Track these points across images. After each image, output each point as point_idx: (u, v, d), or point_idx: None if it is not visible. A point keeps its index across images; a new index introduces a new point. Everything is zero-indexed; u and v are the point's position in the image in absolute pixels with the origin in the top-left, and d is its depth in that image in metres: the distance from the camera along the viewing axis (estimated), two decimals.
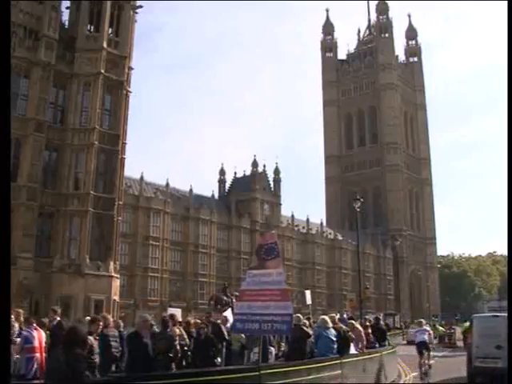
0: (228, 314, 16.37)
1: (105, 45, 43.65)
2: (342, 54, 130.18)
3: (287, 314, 11.42)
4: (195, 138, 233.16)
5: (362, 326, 18.23)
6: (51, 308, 14.54)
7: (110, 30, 45.61)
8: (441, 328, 46.48)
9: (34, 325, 11.19)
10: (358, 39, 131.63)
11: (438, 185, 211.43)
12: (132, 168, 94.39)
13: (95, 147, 41.56)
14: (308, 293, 29.05)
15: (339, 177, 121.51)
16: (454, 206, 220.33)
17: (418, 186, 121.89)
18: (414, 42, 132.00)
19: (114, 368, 10.79)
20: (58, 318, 12.30)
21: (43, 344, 11.12)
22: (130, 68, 46.77)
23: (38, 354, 10.82)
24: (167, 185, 71.83)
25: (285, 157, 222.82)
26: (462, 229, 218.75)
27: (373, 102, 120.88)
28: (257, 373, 11.17)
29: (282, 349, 14.11)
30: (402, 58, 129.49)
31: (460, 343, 38.63)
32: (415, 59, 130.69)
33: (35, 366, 10.67)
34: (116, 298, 42.36)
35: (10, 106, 6.18)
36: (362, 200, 36.04)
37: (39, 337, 11.08)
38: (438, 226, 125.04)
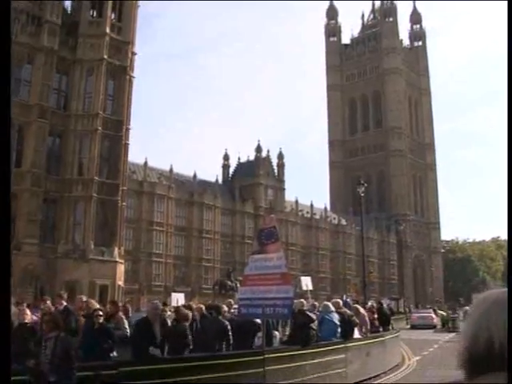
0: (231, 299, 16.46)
1: (108, 30, 43.47)
2: (345, 39, 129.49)
3: (288, 298, 11.52)
4: (198, 123, 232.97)
5: (366, 310, 18.29)
6: (57, 293, 14.60)
7: (113, 16, 45.36)
8: (444, 313, 46.57)
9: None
10: (362, 23, 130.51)
11: (442, 170, 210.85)
12: (136, 154, 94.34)
13: (99, 133, 41.53)
14: (304, 279, 28.79)
15: (343, 162, 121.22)
16: (458, 192, 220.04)
17: (422, 171, 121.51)
18: (418, 26, 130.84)
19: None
20: (65, 303, 12.34)
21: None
22: (133, 53, 46.57)
23: None
24: (171, 170, 71.78)
25: (288, 141, 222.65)
26: (466, 214, 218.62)
27: (377, 86, 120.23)
28: (261, 357, 11.26)
29: (287, 333, 14.17)
30: (406, 42, 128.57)
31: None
32: (419, 43, 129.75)
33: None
34: (121, 283, 42.54)
35: (10, 105, 6.14)
36: (365, 185, 35.99)
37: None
38: (442, 211, 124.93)
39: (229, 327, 11.81)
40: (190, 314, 12.27)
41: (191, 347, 10.70)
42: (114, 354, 9.81)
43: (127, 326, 10.88)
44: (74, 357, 7.67)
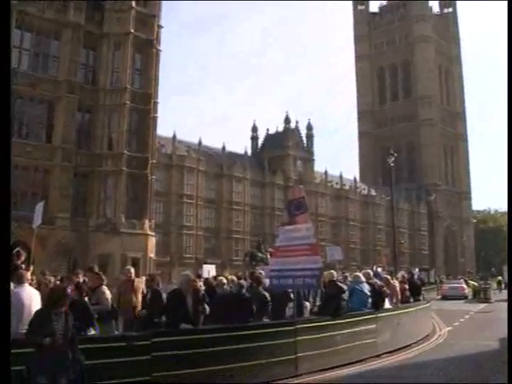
0: (262, 270, 16.52)
1: (133, 4, 43.35)
2: (374, 7, 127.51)
3: (317, 269, 11.55)
4: (226, 96, 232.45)
5: (397, 280, 18.23)
6: (88, 266, 14.80)
7: None
8: (475, 283, 46.29)
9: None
10: None
11: (474, 139, 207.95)
12: (164, 127, 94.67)
13: (127, 107, 41.70)
14: (332, 249, 28.68)
15: (372, 132, 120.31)
16: (490, 161, 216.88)
17: (453, 140, 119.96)
18: None
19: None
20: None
21: None
22: (160, 26, 46.41)
23: None
24: (200, 143, 72.04)
25: (317, 113, 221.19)
26: (498, 183, 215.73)
27: (406, 55, 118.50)
28: (292, 327, 11.33)
29: (317, 304, 14.20)
30: (436, 9, 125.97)
31: (495, 298, 38.49)
32: (450, 10, 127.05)
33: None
34: (152, 255, 42.99)
35: (10, 105, 6.15)
36: (395, 155, 35.54)
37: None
38: (473, 180, 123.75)
39: (268, 298, 11.95)
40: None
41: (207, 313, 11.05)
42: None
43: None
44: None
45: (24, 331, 7.65)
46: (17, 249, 11.79)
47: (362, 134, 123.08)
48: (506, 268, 44.40)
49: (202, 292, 11.56)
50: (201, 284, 13.44)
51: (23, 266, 10.79)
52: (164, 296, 11.27)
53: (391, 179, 37.92)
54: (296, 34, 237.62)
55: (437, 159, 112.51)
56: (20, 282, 8.41)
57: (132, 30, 42.73)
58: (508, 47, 9.28)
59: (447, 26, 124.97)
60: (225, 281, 12.98)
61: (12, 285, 8.54)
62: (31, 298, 8.20)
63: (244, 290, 12.01)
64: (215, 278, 15.91)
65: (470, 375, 11.55)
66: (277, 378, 10.51)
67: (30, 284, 8.93)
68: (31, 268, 12.09)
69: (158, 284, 12.53)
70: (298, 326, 11.41)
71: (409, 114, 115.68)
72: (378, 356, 13.20)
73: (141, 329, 10.91)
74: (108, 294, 10.48)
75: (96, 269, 13.04)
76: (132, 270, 12.83)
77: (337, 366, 11.71)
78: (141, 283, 12.52)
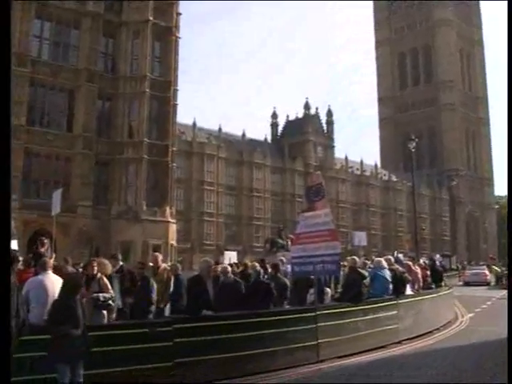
0: (283, 257, 16.56)
1: None
2: None
3: (336, 254, 11.59)
4: (245, 82, 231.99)
5: (419, 267, 18.16)
6: (112, 254, 14.92)
7: None
8: (498, 269, 45.90)
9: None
10: None
11: (496, 123, 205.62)
12: (184, 114, 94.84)
13: (147, 95, 41.81)
14: (358, 234, 28.83)
15: (393, 118, 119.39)
16: None
17: (474, 125, 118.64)
18: None
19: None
20: (121, 263, 12.62)
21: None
22: (178, 14, 46.36)
23: None
24: (220, 130, 72.14)
25: (337, 99, 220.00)
26: None
27: (427, 39, 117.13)
28: (313, 313, 11.36)
29: (339, 290, 14.22)
30: None
31: None
32: None
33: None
34: (173, 242, 43.23)
35: (10, 105, 6.18)
36: (416, 140, 35.29)
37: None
38: (496, 165, 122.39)
39: (288, 284, 12.00)
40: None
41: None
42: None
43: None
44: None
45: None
46: (40, 237, 11.91)
47: (382, 120, 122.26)
48: None
49: (223, 278, 11.59)
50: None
51: (47, 253, 10.89)
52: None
53: (412, 165, 37.77)
54: (315, 17, 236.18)
55: (458, 144, 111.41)
56: (44, 269, 8.52)
57: (151, 18, 42.76)
58: (508, 47, 9.24)
59: (469, 8, 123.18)
60: (229, 269, 13.00)
61: (36, 272, 8.68)
62: (55, 285, 8.30)
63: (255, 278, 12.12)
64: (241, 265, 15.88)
65: (492, 362, 11.49)
66: (298, 364, 10.56)
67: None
68: (54, 255, 12.23)
69: (176, 271, 12.53)
70: (319, 313, 11.44)
71: (430, 99, 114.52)
72: (399, 342, 13.20)
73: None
74: (106, 281, 10.36)
75: (119, 256, 13.18)
76: (160, 257, 12.80)
77: (358, 352, 11.74)
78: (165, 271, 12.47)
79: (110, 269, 10.01)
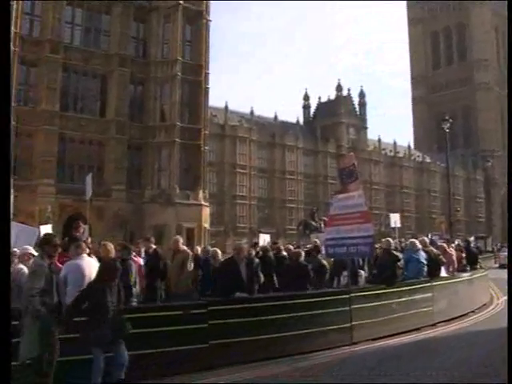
0: (316, 239, 16.55)
1: None
2: None
3: (369, 236, 11.52)
4: (277, 64, 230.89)
5: (453, 249, 17.98)
6: (145, 237, 15.03)
7: None
8: None
9: (134, 253, 11.58)
10: None
11: None
12: (216, 97, 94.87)
13: (178, 78, 41.91)
14: (394, 216, 28.68)
15: (426, 98, 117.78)
16: None
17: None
18: None
19: None
20: (154, 246, 12.71)
21: (142, 271, 11.53)
22: None
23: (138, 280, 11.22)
24: (252, 112, 72.02)
25: (369, 80, 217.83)
26: None
27: (461, 18, 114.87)
28: (347, 296, 11.35)
29: (374, 271, 14.18)
30: None
31: None
32: None
33: (136, 290, 11.06)
34: (206, 225, 43.45)
35: (11, 104, 6.23)
36: (450, 121, 34.75)
37: (138, 264, 11.49)
38: None
39: (327, 266, 12.03)
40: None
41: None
42: None
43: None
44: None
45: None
46: (76, 221, 12.06)
47: (415, 100, 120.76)
48: None
49: (257, 261, 11.60)
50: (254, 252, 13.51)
51: (82, 237, 11.01)
52: None
53: (446, 145, 37.11)
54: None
55: (493, 124, 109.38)
56: (78, 252, 8.66)
57: (181, 2, 42.73)
58: (508, 47, 9.09)
59: None
60: (219, 252, 13.24)
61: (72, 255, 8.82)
62: (90, 268, 8.44)
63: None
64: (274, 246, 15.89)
65: None
66: (332, 346, 10.58)
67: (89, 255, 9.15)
68: (89, 239, 12.37)
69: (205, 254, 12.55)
70: (352, 295, 11.43)
71: (464, 79, 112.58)
72: (433, 325, 13.12)
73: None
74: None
75: (152, 239, 13.27)
76: (180, 240, 12.64)
77: (392, 335, 11.70)
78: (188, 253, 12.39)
79: (113, 253, 10.02)
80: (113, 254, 9.78)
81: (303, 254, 13.22)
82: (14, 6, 36.44)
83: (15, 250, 9.32)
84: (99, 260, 9.08)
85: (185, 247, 12.77)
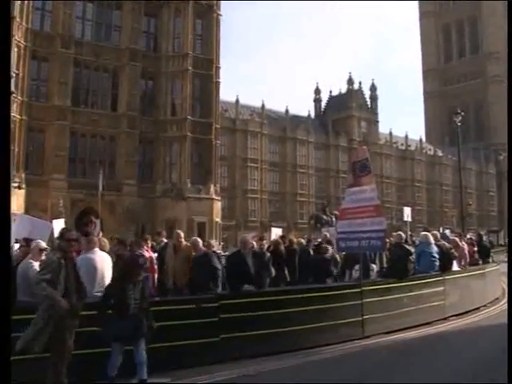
0: (327, 232, 16.51)
1: None
2: None
3: (381, 230, 11.46)
4: (288, 58, 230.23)
5: (465, 242, 17.89)
6: (156, 231, 15.08)
7: None
8: None
9: (145, 247, 11.62)
10: None
11: None
12: (227, 92, 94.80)
13: (189, 73, 41.93)
14: (407, 209, 28.62)
15: (438, 91, 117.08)
16: None
17: None
18: None
19: None
20: (165, 240, 12.71)
21: (154, 264, 11.54)
22: None
23: (150, 274, 11.26)
24: (263, 106, 71.84)
25: (380, 74, 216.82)
26: None
27: (473, 10, 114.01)
28: (358, 289, 11.33)
29: (385, 265, 14.12)
30: None
31: None
32: None
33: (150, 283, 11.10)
34: (218, 219, 43.51)
35: (10, 103, 6.25)
36: (462, 114, 34.54)
37: (150, 257, 11.52)
38: None
39: (339, 260, 12.03)
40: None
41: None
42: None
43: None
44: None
45: (98, 294, 8.00)
46: (88, 216, 12.12)
47: (427, 93, 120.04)
48: None
49: (268, 255, 11.55)
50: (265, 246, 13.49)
51: (94, 232, 11.06)
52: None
53: (458, 139, 36.93)
54: None
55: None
56: (91, 247, 8.72)
57: None
58: (508, 46, 9.01)
59: None
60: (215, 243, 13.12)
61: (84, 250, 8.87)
62: (103, 262, 8.49)
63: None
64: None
65: None
66: (344, 340, 10.57)
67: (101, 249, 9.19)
68: (101, 234, 12.42)
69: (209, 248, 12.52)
70: (364, 288, 11.41)
71: (476, 71, 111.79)
72: (445, 319, 13.08)
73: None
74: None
75: (164, 233, 13.28)
76: (182, 234, 12.31)
77: (403, 328, 11.68)
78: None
79: (108, 247, 10.02)
80: (107, 248, 9.87)
81: (330, 249, 13.25)
82: (26, 2, 36.65)
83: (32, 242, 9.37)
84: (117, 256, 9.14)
85: (187, 242, 12.69)
